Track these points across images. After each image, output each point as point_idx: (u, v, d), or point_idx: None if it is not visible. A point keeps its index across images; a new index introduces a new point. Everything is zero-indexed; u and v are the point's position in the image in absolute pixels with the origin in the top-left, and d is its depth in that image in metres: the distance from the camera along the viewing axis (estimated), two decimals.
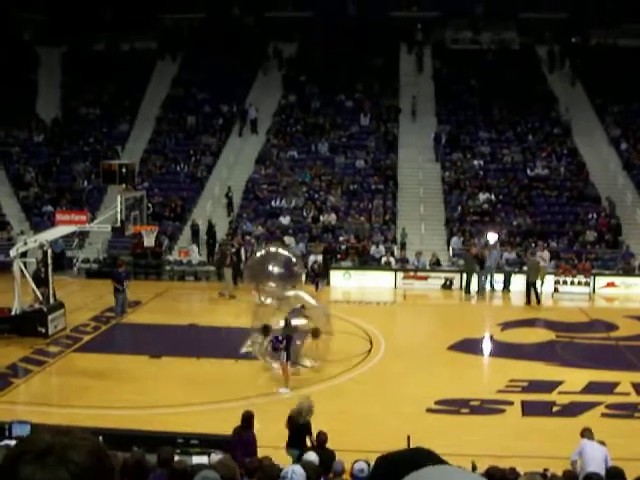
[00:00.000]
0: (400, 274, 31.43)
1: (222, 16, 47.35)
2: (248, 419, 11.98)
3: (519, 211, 35.32)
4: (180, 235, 35.23)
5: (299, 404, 12.55)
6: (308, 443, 12.10)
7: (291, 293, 19.86)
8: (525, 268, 30.29)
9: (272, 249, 23.46)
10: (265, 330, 18.67)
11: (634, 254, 32.30)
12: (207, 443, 11.38)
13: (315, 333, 18.61)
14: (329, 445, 11.36)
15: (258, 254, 24.13)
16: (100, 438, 2.19)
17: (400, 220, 35.27)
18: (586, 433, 11.68)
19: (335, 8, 47.05)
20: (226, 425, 12.32)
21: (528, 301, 28.64)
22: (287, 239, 33.51)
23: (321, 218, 35.14)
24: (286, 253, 23.06)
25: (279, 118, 42.71)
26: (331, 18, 46.73)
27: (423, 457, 2.19)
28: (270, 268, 21.48)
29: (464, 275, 30.51)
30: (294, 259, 22.61)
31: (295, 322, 18.42)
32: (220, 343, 22.50)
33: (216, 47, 45.62)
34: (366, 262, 31.98)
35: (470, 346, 22.21)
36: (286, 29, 47.38)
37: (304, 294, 20.20)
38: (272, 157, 39.41)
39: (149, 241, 24.63)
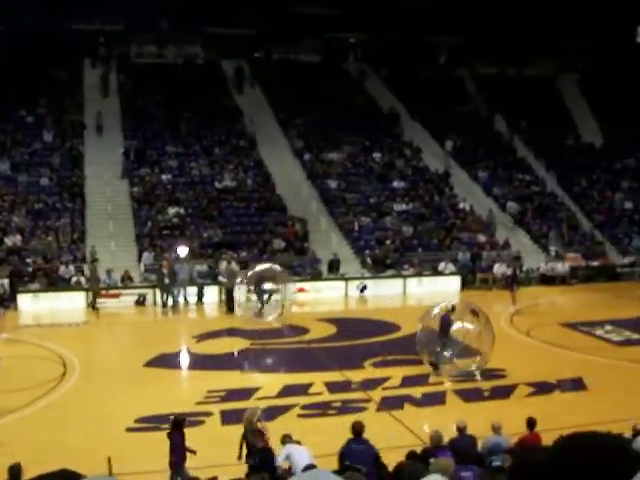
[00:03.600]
0: (91, 293, 30.64)
1: None
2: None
3: (209, 223, 35.79)
4: None
5: (248, 412, 12.41)
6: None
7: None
8: (220, 278, 30.77)
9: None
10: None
11: (320, 259, 33.95)
12: None
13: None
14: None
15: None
16: None
17: (89, 238, 34.35)
18: (287, 439, 12.08)
19: (12, 19, 44.91)
20: None
21: (230, 309, 29.07)
22: None
23: (5, 240, 33.31)
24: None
25: None
26: (8, 30, 44.62)
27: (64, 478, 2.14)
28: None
29: (157, 290, 30.41)
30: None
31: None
32: None
33: None
34: (55, 283, 30.84)
35: (167, 361, 22.10)
36: None
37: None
38: None
39: None
